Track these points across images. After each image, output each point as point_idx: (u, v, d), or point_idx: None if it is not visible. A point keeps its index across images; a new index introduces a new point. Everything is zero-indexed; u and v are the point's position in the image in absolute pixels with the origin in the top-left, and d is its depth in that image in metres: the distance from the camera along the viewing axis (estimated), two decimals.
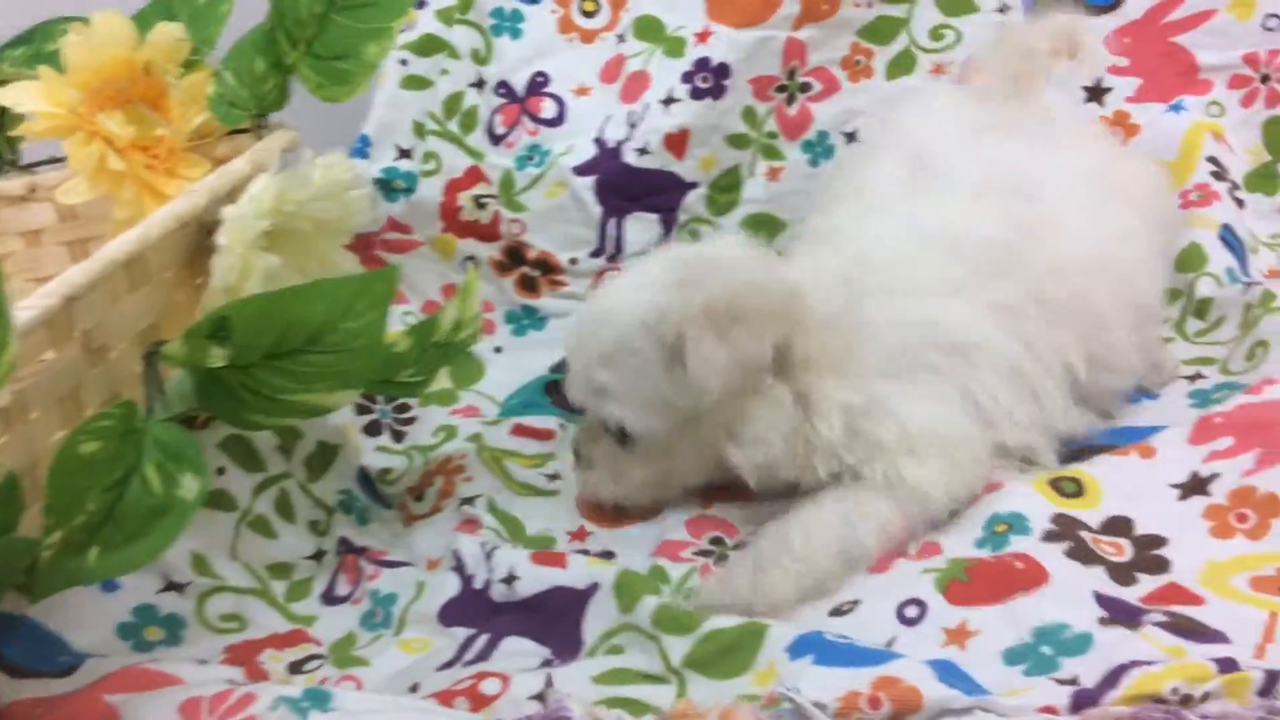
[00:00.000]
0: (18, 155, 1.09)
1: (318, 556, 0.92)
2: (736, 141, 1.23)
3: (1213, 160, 1.17)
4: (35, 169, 1.09)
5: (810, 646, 0.73)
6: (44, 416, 0.75)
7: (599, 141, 1.24)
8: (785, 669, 0.72)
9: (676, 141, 1.23)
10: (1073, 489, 0.81)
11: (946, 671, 0.69)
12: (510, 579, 0.85)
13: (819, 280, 0.89)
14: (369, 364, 0.83)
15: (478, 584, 0.86)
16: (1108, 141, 1.11)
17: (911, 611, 0.74)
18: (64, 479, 0.73)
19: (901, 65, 1.26)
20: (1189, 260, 1.09)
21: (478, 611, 0.85)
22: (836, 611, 0.77)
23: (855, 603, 0.77)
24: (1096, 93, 1.24)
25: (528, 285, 1.24)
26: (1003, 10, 1.26)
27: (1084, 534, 0.76)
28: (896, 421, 0.85)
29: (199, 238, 0.88)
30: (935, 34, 1.26)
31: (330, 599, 0.90)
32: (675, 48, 1.24)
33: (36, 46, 1.07)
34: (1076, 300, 0.90)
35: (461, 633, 0.84)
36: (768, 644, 0.74)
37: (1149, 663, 0.67)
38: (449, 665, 0.81)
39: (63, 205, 1.05)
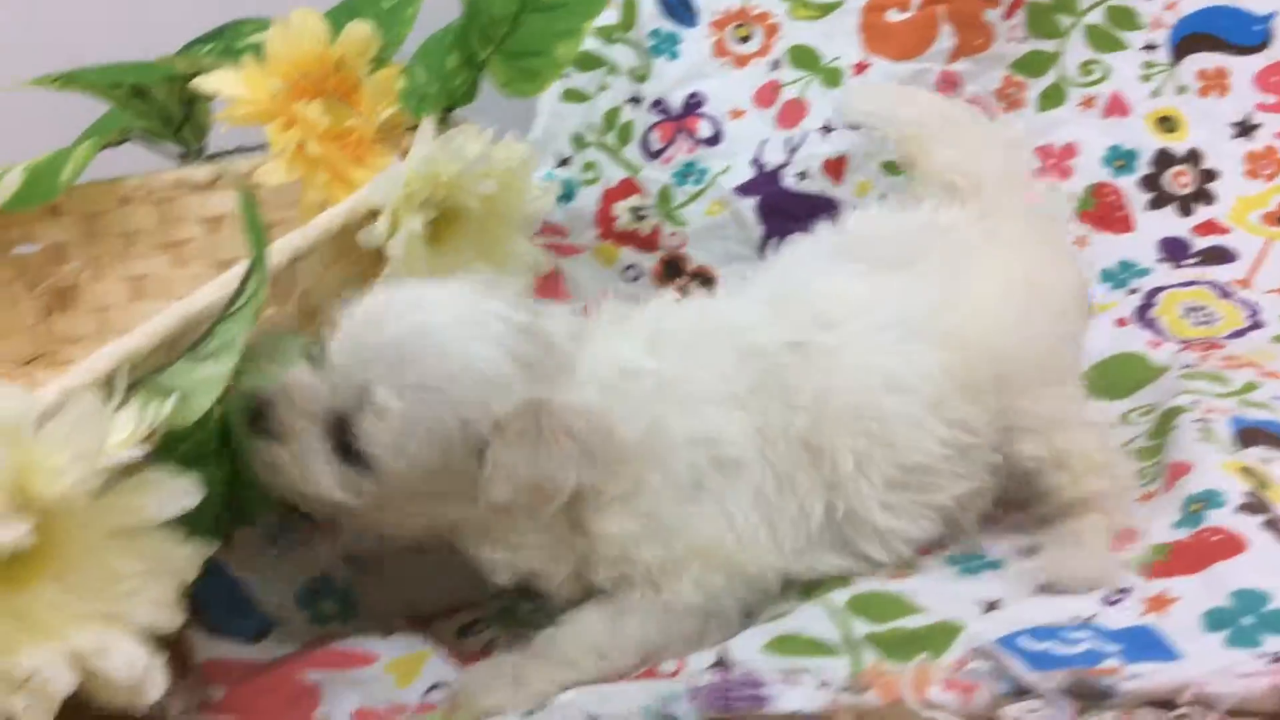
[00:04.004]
0: (204, 145, 1.13)
1: None
2: (892, 168, 1.26)
3: None
4: (219, 158, 1.13)
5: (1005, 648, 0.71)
6: None
7: (757, 164, 1.27)
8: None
9: (834, 167, 1.26)
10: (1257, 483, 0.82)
11: (1143, 642, 0.69)
12: None
13: (628, 395, 0.79)
14: None
15: None
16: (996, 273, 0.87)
17: (1115, 597, 0.75)
18: None
19: (1052, 98, 1.29)
20: None
21: None
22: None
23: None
24: (1245, 129, 1.26)
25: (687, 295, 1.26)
26: (1150, 48, 1.29)
27: (1276, 514, 0.77)
28: (665, 544, 0.79)
29: None
30: (1084, 69, 1.29)
31: None
32: (832, 78, 1.28)
33: (226, 43, 1.11)
34: (814, 449, 0.82)
35: None
36: (959, 642, 0.74)
37: None
38: None
39: None
